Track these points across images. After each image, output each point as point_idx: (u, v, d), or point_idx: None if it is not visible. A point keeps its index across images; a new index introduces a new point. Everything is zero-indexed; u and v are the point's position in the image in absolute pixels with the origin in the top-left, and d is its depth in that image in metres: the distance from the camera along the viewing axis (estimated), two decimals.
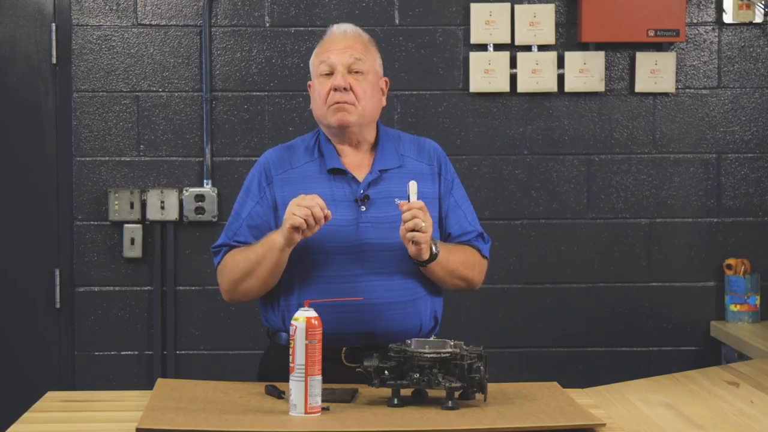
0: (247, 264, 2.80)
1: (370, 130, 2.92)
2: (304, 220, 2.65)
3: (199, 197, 4.37)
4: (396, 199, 2.80)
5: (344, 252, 2.78)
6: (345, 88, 2.83)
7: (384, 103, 2.96)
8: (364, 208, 2.82)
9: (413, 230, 2.69)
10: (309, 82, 2.96)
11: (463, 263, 2.89)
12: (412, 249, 2.73)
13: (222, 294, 2.93)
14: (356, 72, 2.86)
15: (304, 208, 2.66)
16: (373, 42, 2.96)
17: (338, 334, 2.73)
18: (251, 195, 2.90)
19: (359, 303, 2.73)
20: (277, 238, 2.73)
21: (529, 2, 4.41)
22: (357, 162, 2.90)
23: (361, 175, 2.87)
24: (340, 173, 2.87)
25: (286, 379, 2.50)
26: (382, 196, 2.83)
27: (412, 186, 2.74)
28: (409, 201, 2.72)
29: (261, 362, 2.98)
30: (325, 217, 2.67)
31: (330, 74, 2.86)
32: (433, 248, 2.77)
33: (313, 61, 2.94)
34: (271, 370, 2.85)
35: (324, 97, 2.86)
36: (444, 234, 2.93)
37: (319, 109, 2.89)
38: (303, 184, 2.83)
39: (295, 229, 2.67)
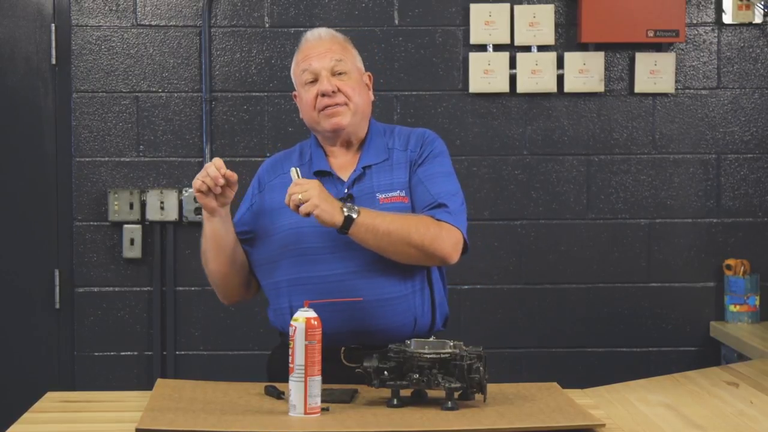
0: (203, 244, 2.85)
1: (362, 127, 2.93)
2: (203, 181, 2.69)
3: None
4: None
5: (332, 251, 2.78)
6: (333, 92, 2.84)
7: (372, 97, 2.96)
8: None
9: (299, 207, 2.65)
10: (293, 93, 2.96)
11: (404, 227, 2.71)
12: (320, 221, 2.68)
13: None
14: (340, 73, 2.87)
15: (203, 171, 2.70)
16: (348, 40, 2.96)
17: (332, 333, 2.72)
18: (245, 201, 2.96)
19: (351, 301, 2.73)
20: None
21: (528, 3, 4.41)
22: (345, 162, 2.90)
23: (346, 174, 2.87)
24: (326, 175, 2.87)
25: None
26: (366, 192, 2.83)
27: (293, 172, 2.73)
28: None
29: (269, 359, 2.98)
30: (225, 177, 2.68)
31: (314, 81, 2.86)
32: (344, 210, 2.68)
33: (294, 71, 2.93)
34: (281, 365, 2.82)
35: (312, 103, 2.86)
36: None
37: (310, 117, 2.89)
38: (288, 188, 2.83)
39: (202, 194, 2.71)
